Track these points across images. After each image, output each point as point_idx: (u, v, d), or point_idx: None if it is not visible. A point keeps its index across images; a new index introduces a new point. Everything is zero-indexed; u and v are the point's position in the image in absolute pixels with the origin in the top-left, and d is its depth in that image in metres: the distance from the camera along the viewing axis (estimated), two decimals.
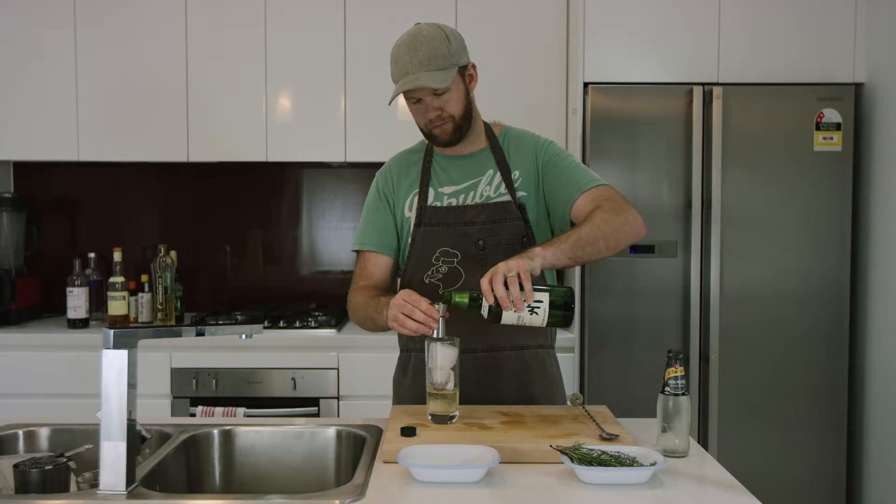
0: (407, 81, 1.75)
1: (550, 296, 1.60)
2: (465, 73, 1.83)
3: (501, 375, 1.87)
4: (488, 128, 1.94)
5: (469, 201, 1.88)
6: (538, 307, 1.59)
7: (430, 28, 1.81)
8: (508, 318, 1.59)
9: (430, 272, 1.86)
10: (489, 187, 1.89)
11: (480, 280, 1.58)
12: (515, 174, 1.89)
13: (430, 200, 1.89)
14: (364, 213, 1.98)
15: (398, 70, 1.79)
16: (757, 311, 2.95)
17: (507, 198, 1.87)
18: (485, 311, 1.61)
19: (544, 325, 1.62)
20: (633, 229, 1.78)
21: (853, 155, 2.95)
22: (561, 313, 1.61)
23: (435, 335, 1.65)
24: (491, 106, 3.19)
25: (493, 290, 1.54)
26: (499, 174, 1.89)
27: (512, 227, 1.85)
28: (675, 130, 2.94)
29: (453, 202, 1.88)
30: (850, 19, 2.97)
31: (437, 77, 1.74)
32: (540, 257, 1.62)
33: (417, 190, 1.90)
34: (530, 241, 1.86)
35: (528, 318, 1.60)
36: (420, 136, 1.94)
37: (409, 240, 1.88)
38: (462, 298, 1.62)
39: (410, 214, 1.90)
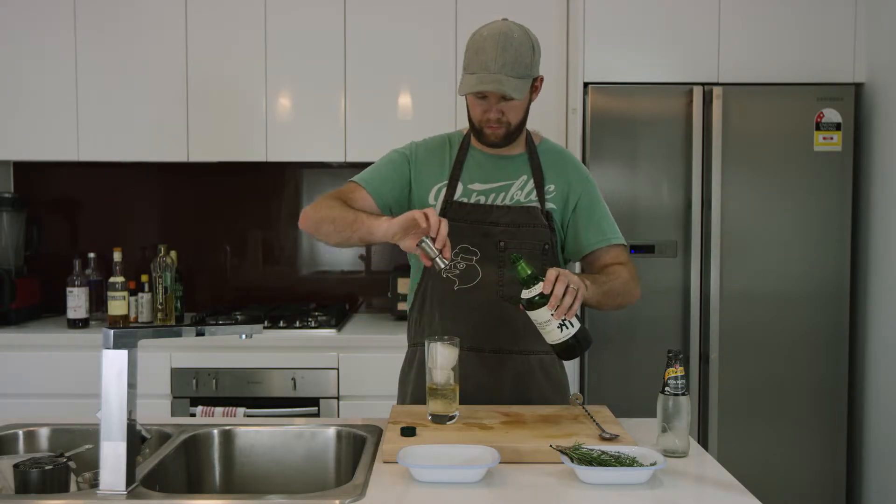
0: (487, 81, 1.73)
1: (581, 328, 1.65)
2: (534, 84, 1.83)
3: (504, 377, 1.87)
4: (528, 135, 1.94)
5: (497, 201, 1.87)
6: (568, 328, 1.63)
7: (521, 31, 1.77)
8: (541, 315, 1.62)
9: (447, 266, 1.85)
10: (521, 192, 1.89)
11: (549, 269, 1.62)
12: (550, 187, 1.91)
13: (457, 195, 1.88)
14: (382, 159, 1.97)
15: (477, 62, 1.75)
16: (757, 311, 2.95)
17: (536, 204, 1.88)
18: (527, 294, 1.63)
19: (554, 342, 1.65)
20: (633, 299, 1.89)
21: (853, 155, 2.95)
22: (575, 345, 1.65)
23: (441, 264, 1.62)
24: None
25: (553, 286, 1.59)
26: (532, 181, 1.90)
27: (535, 233, 1.86)
28: (675, 130, 2.94)
29: (481, 200, 1.88)
30: (850, 19, 2.97)
31: (517, 86, 1.74)
32: (588, 283, 1.69)
33: (446, 182, 1.89)
34: (551, 250, 1.88)
35: (553, 327, 1.63)
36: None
37: None
38: (524, 269, 1.64)
39: (436, 204, 1.88)
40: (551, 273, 1.61)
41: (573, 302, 1.59)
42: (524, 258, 1.66)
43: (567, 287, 1.60)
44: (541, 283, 1.61)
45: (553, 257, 1.90)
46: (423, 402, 1.77)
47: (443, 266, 1.62)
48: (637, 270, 1.92)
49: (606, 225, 1.93)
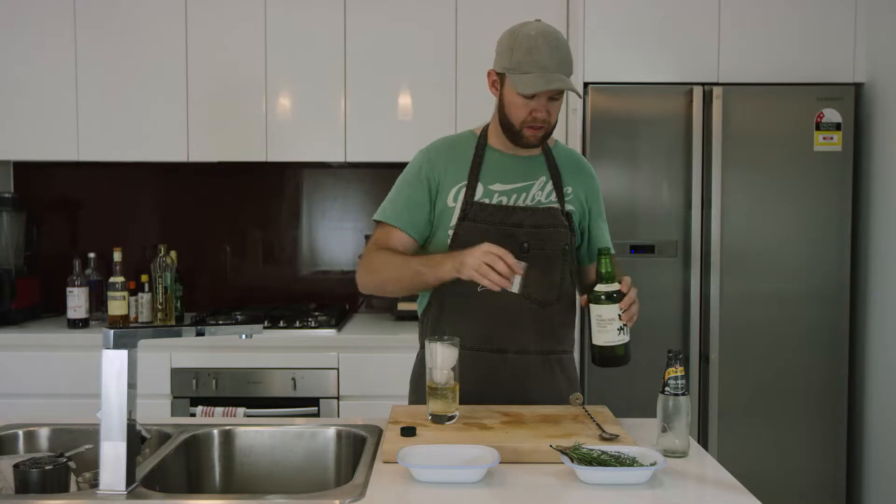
0: (555, 80, 1.74)
1: (629, 342, 1.73)
2: None
3: (530, 377, 1.88)
4: None
5: (520, 202, 1.87)
6: (624, 333, 1.70)
7: (559, 31, 1.81)
8: (609, 311, 1.69)
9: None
10: (541, 192, 1.90)
11: (632, 290, 1.69)
12: (568, 189, 1.92)
13: (477, 195, 1.87)
14: (399, 186, 1.92)
15: (531, 62, 1.74)
16: (757, 312, 2.95)
17: (557, 205, 1.89)
18: (604, 288, 1.69)
19: (605, 344, 1.70)
20: None
21: (853, 155, 2.95)
22: (621, 355, 1.72)
23: (514, 289, 1.66)
24: (492, 106, 3.20)
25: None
26: (551, 182, 1.91)
27: (557, 234, 1.88)
28: (675, 130, 2.94)
29: (503, 200, 1.87)
30: (850, 19, 2.97)
31: (573, 84, 1.77)
32: None
33: (465, 182, 1.87)
34: (570, 250, 1.90)
35: (614, 327, 1.68)
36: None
37: (451, 232, 1.86)
38: (610, 264, 1.71)
39: (455, 206, 1.87)
40: (627, 277, 1.70)
41: (637, 311, 1.68)
42: (613, 265, 1.72)
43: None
44: (618, 283, 1.68)
45: (572, 259, 1.93)
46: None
47: (516, 291, 1.67)
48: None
49: (607, 232, 1.99)
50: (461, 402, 1.71)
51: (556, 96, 1.79)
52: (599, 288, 1.69)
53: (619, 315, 1.66)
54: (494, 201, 1.87)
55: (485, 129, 1.95)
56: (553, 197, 1.90)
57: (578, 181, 1.95)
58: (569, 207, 1.91)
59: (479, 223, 1.85)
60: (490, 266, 1.64)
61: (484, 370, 1.84)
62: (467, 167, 1.89)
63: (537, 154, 1.93)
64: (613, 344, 1.68)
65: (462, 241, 1.84)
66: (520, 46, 1.76)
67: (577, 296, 1.97)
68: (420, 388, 1.98)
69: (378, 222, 1.91)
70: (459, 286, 1.82)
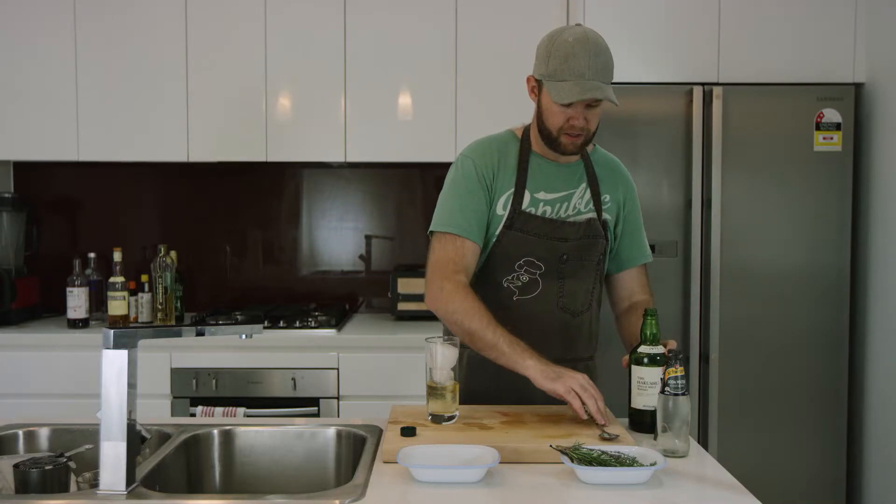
0: (591, 88, 1.69)
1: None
2: None
3: None
4: None
5: (563, 212, 1.85)
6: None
7: (600, 36, 1.75)
8: (653, 374, 1.66)
9: (510, 277, 1.85)
10: (581, 201, 1.88)
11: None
12: (605, 197, 1.91)
13: (524, 204, 1.83)
14: (458, 194, 1.84)
15: (569, 69, 1.70)
16: (757, 311, 2.95)
17: (594, 215, 1.88)
18: (649, 350, 1.67)
19: (646, 408, 1.67)
20: None
21: (853, 155, 2.95)
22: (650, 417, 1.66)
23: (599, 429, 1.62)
24: (492, 106, 3.21)
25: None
26: (589, 190, 1.89)
27: (596, 245, 1.88)
28: (675, 130, 2.93)
29: (548, 210, 1.85)
30: (850, 19, 2.97)
31: (613, 92, 1.73)
32: None
33: (513, 189, 1.84)
34: (603, 260, 1.91)
35: (656, 391, 1.63)
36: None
37: (494, 240, 1.84)
38: (655, 326, 1.68)
39: (503, 213, 1.84)
40: (672, 341, 1.69)
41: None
42: (665, 349, 1.67)
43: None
44: (662, 346, 1.66)
45: (603, 268, 1.93)
46: (466, 401, 1.80)
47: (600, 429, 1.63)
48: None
49: (644, 243, 1.97)
50: (479, 404, 1.72)
51: (594, 104, 1.75)
52: (643, 350, 1.67)
53: (662, 378, 1.58)
54: (539, 211, 1.84)
55: (526, 133, 1.90)
56: (592, 206, 1.88)
57: (615, 187, 1.94)
58: (605, 216, 1.90)
59: (525, 234, 1.83)
60: (583, 399, 1.62)
61: (507, 376, 1.80)
62: (514, 173, 1.85)
63: (576, 161, 1.90)
64: (653, 409, 1.63)
65: (504, 249, 1.83)
66: (557, 53, 1.72)
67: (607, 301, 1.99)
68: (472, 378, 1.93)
69: (444, 233, 1.82)
70: (497, 292, 1.82)
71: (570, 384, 1.63)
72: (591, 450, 1.45)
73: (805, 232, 2.96)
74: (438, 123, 3.17)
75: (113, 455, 1.33)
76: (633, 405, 1.70)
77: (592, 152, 1.96)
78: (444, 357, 1.68)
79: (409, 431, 1.58)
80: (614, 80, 1.76)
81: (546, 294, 1.85)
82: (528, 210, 1.84)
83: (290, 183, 3.60)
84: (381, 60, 3.21)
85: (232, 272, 3.61)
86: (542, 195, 1.85)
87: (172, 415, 2.93)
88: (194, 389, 2.94)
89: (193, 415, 2.89)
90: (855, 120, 2.95)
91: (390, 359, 2.93)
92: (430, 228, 1.86)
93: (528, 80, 1.83)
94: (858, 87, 2.98)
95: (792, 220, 2.96)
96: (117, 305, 3.12)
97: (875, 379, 2.92)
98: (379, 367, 2.95)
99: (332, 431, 1.73)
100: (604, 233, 1.90)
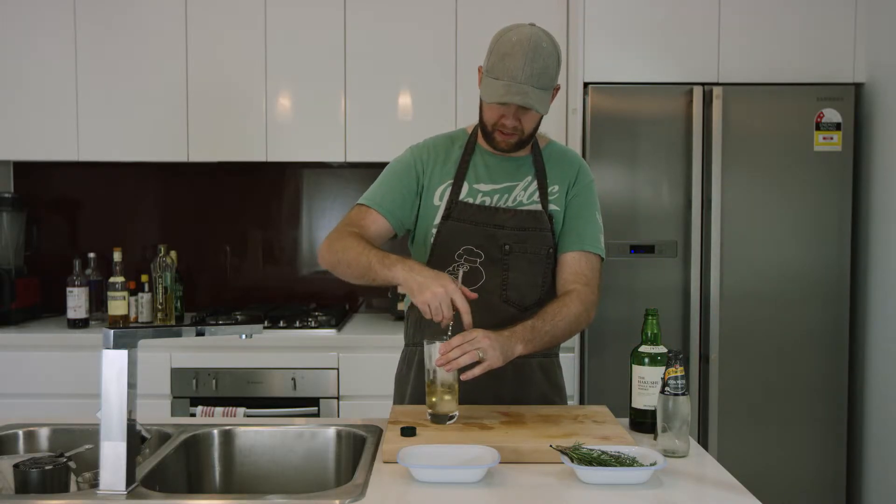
0: (514, 92, 1.68)
1: None
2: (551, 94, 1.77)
3: (505, 378, 1.85)
4: (534, 138, 1.91)
5: (503, 203, 1.85)
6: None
7: (549, 41, 1.73)
8: (654, 374, 1.65)
9: (451, 268, 1.84)
10: (524, 193, 1.87)
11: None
12: (553, 188, 1.89)
13: (462, 195, 1.85)
14: (387, 174, 1.90)
15: (503, 69, 1.69)
16: (757, 312, 2.95)
17: (539, 207, 1.86)
18: (650, 350, 1.67)
19: (648, 407, 1.66)
20: (586, 325, 1.84)
21: (853, 155, 2.95)
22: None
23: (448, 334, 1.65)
24: None
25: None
26: (535, 183, 1.88)
27: (540, 238, 1.85)
28: (675, 130, 2.93)
29: (486, 201, 1.85)
30: (850, 19, 2.97)
31: (542, 97, 1.70)
32: (520, 350, 1.69)
33: (451, 181, 1.86)
34: (554, 253, 1.87)
35: (654, 394, 1.62)
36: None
37: (434, 231, 1.85)
38: (656, 326, 1.68)
39: (440, 204, 1.86)
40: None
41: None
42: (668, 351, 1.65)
43: None
44: (663, 346, 1.66)
45: (553, 262, 1.90)
46: (422, 402, 1.77)
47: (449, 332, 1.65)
48: (601, 282, 1.89)
49: (588, 232, 1.87)
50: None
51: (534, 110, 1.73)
52: (644, 349, 1.67)
53: (662, 378, 1.57)
54: (478, 201, 1.85)
55: (476, 128, 1.92)
56: (536, 197, 1.87)
57: (563, 175, 1.90)
58: (553, 208, 1.88)
59: (462, 222, 1.83)
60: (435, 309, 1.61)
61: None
62: (455, 166, 1.87)
63: (526, 154, 1.90)
64: (653, 409, 1.63)
65: (443, 240, 1.84)
66: (497, 50, 1.72)
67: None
68: (402, 390, 1.98)
69: (358, 205, 1.87)
70: None
71: (427, 298, 1.60)
72: (591, 450, 1.45)
73: (805, 232, 2.96)
74: (438, 123, 3.13)
75: (113, 455, 1.33)
76: (633, 405, 1.70)
77: (545, 146, 1.94)
78: None
79: (409, 431, 1.58)
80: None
81: (489, 285, 1.83)
82: (465, 200, 1.85)
83: (290, 183, 3.60)
84: (381, 60, 3.21)
85: (232, 272, 3.61)
86: (482, 186, 1.86)
87: (172, 415, 2.94)
88: (194, 389, 2.94)
89: (193, 415, 2.89)
90: (855, 120, 2.95)
91: (390, 359, 2.91)
92: None
93: (479, 69, 1.81)
94: (858, 87, 2.98)
95: (792, 220, 2.96)
96: (117, 305, 3.13)
97: (875, 379, 2.92)
98: (379, 367, 2.94)
99: (332, 431, 1.73)
100: (550, 226, 1.87)
